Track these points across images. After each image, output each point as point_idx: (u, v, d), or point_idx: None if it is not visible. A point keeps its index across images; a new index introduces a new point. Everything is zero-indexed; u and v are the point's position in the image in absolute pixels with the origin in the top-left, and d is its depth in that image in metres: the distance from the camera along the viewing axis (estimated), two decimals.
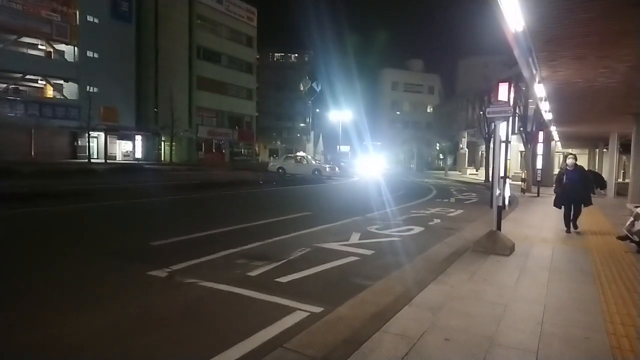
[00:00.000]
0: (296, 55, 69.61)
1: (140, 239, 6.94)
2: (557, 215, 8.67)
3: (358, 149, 53.30)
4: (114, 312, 3.86)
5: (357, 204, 13.74)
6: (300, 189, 19.82)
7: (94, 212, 10.15)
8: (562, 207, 8.80)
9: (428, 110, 69.12)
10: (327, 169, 29.24)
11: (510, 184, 7.72)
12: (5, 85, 32.95)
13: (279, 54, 69.94)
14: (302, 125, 68.35)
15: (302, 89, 58.63)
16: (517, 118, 23.98)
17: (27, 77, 33.31)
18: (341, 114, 45.84)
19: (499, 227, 6.68)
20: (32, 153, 31.05)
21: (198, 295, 4.34)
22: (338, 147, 48.25)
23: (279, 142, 67.48)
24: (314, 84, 57.77)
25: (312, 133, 66.75)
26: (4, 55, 30.65)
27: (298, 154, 38.13)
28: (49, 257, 5.74)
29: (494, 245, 6.36)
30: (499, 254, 6.20)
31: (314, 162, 31.66)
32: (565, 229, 8.66)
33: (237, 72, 51.13)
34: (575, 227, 8.69)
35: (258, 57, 57.10)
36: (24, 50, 33.50)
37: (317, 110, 66.08)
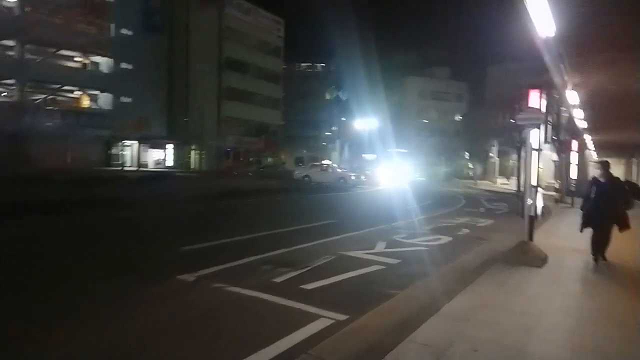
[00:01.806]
0: (322, 64, 70.03)
1: (170, 244, 7.08)
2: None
3: (384, 157, 52.94)
4: (144, 313, 3.96)
5: (382, 212, 13.61)
6: (325, 197, 19.83)
7: (125, 218, 10.44)
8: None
9: (456, 118, 68.11)
10: (353, 177, 29.14)
11: (543, 194, 7.50)
12: (44, 96, 34.45)
13: (305, 64, 70.52)
14: (327, 133, 68.57)
15: (328, 97, 58.93)
16: (549, 126, 23.36)
17: (64, 88, 34.75)
18: (367, 122, 45.74)
19: (530, 238, 6.49)
20: (68, 161, 32.22)
21: (224, 299, 4.39)
22: (363, 155, 48.11)
23: (304, 151, 67.77)
24: (339, 93, 58.00)
25: (337, 141, 66.89)
26: (43, 67, 32.10)
27: (323, 162, 38.23)
28: (79, 262, 5.92)
29: (526, 256, 6.18)
30: (530, 265, 6.01)
31: (339, 170, 31.66)
32: (593, 256, 6.55)
33: (264, 81, 51.88)
34: (604, 257, 6.58)
35: (285, 66, 57.79)
36: (62, 62, 35.01)
37: (343, 118, 66.15)
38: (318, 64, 70.05)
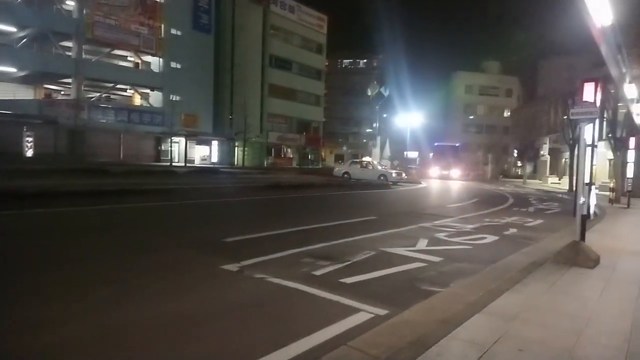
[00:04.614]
0: (365, 60, 69.50)
1: (215, 235, 7.33)
2: None
3: (426, 154, 51.83)
4: (189, 300, 4.11)
5: (424, 210, 13.43)
6: (365, 193, 19.75)
7: (173, 209, 10.90)
8: None
9: (505, 115, 65.71)
10: (394, 175, 28.79)
11: (597, 194, 7.12)
12: (98, 94, 36.41)
13: (348, 60, 70.19)
14: (368, 130, 68.17)
15: (369, 94, 58.45)
16: (605, 123, 22.10)
17: (118, 86, 36.50)
18: (409, 118, 44.99)
19: (582, 238, 6.18)
20: (121, 156, 33.89)
21: (266, 289, 4.50)
22: (405, 152, 47.40)
23: (345, 147, 67.72)
24: (382, 89, 57.40)
25: (378, 138, 66.30)
26: (99, 66, 33.89)
27: (364, 159, 38.01)
28: (130, 248, 6.23)
29: (577, 256, 5.90)
30: (581, 266, 5.74)
31: (379, 167, 31.36)
32: None
33: (307, 78, 52.22)
34: None
35: (327, 63, 57.83)
36: (116, 61, 36.81)
37: (385, 115, 65.50)
38: (360, 60, 69.53)
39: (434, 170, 44.23)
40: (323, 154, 61.10)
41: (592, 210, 6.54)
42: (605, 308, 4.14)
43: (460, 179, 38.76)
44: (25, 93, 33.42)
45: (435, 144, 51.46)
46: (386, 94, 57.55)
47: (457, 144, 51.41)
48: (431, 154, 49.61)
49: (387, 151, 64.59)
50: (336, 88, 64.49)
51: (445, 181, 35.71)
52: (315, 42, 53.38)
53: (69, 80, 32.86)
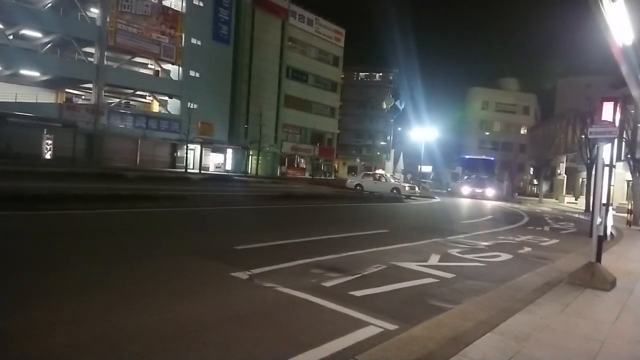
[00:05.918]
0: (380, 73, 69.66)
1: (226, 242, 7.35)
2: None
3: (441, 169, 51.38)
4: (197, 305, 4.12)
5: (437, 225, 13.29)
6: (377, 206, 19.65)
7: (186, 215, 10.99)
8: None
9: (522, 132, 65.11)
10: (407, 188, 28.60)
11: (614, 215, 6.97)
12: (118, 100, 37.11)
13: (364, 73, 70.41)
14: (382, 143, 68.05)
15: (385, 107, 58.50)
16: (624, 143, 21.75)
17: (137, 92, 37.16)
18: (424, 132, 44.69)
19: (598, 259, 6.04)
20: (138, 161, 34.33)
21: (275, 298, 4.48)
22: (419, 166, 47.13)
23: (358, 159, 67.65)
24: (397, 103, 57.40)
25: (392, 151, 66.18)
26: (119, 73, 34.61)
27: (377, 171, 37.85)
28: (142, 252, 6.28)
29: (592, 278, 5.76)
30: (597, 288, 5.60)
31: (392, 180, 31.19)
32: None
33: (322, 90, 52.60)
34: None
35: (343, 75, 58.14)
36: (136, 68, 37.55)
37: (399, 128, 65.40)
38: (376, 73, 69.73)
39: (465, 188, 38.53)
40: (336, 165, 61.14)
41: (609, 232, 6.40)
42: (621, 332, 4.03)
43: (474, 195, 37.98)
44: (47, 97, 34.23)
45: (466, 156, 47.16)
46: (401, 107, 57.57)
47: (492, 158, 44.21)
48: (460, 169, 43.36)
49: (401, 164, 64.42)
50: (351, 100, 64.71)
51: (456, 198, 35.24)
52: (332, 55, 53.83)
53: (90, 86, 33.60)
